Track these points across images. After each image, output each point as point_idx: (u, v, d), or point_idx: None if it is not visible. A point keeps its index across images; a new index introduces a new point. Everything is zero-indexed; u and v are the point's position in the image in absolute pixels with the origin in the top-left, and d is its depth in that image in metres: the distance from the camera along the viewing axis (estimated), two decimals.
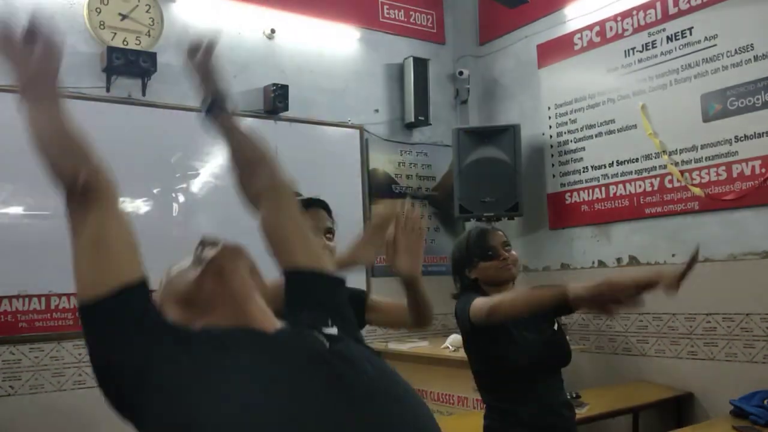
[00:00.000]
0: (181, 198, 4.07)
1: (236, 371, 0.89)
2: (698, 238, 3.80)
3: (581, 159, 4.51)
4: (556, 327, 2.20)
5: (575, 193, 4.54)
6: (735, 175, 3.66)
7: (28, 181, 3.63)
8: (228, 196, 4.53)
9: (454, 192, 4.56)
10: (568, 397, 2.86)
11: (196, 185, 4.11)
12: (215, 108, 1.23)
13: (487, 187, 4.43)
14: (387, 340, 4.56)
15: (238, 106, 4.06)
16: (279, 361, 0.93)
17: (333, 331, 1.04)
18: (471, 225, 4.92)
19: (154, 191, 3.99)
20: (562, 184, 4.63)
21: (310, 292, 1.11)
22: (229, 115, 1.24)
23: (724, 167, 3.71)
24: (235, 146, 1.21)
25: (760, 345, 3.51)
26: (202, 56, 1.22)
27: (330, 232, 1.82)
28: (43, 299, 3.59)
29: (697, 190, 3.81)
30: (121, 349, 0.90)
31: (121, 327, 0.91)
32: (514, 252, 2.17)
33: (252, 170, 1.17)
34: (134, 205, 3.92)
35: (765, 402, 3.08)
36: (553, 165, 4.71)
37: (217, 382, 0.87)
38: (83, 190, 0.98)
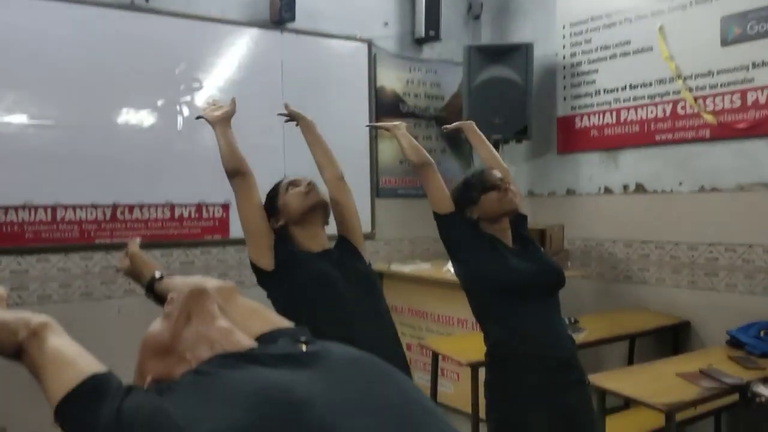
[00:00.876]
0: (186, 111, 4.01)
1: (220, 389, 0.93)
2: (707, 167, 3.77)
3: (594, 81, 4.41)
4: (542, 250, 2.25)
5: (585, 117, 4.46)
6: (749, 103, 3.58)
7: (31, 88, 3.59)
8: None
9: (462, 113, 4.49)
10: (567, 322, 2.92)
11: (200, 98, 4.05)
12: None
13: (497, 108, 4.35)
14: (390, 262, 4.60)
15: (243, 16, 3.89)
16: (257, 366, 0.97)
17: (309, 339, 1.10)
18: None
19: (158, 103, 3.93)
20: (573, 108, 4.55)
21: (275, 335, 1.19)
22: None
23: (738, 94, 3.62)
24: None
25: (761, 276, 3.53)
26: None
27: (306, 181, 2.06)
28: (49, 210, 3.60)
29: (709, 118, 3.74)
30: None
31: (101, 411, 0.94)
32: (513, 186, 2.19)
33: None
34: (137, 117, 3.87)
35: (761, 333, 3.12)
36: (564, 87, 4.61)
37: (206, 404, 0.91)
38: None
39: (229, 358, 1.00)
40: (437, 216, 2.20)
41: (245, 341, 1.09)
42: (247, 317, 1.25)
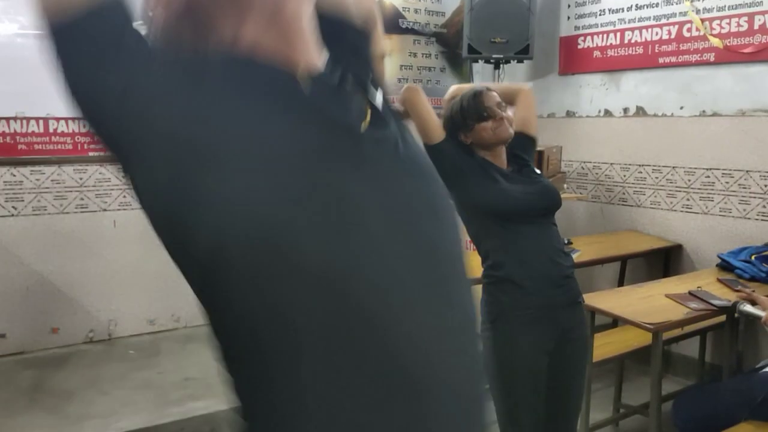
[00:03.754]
0: None
1: (249, 114, 0.72)
2: (710, 92, 3.72)
3: (599, 1, 4.30)
4: (538, 171, 2.20)
5: (589, 38, 4.37)
6: (756, 26, 3.50)
7: None
8: None
9: (463, 30, 4.39)
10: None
11: None
12: None
13: (499, 26, 4.25)
14: None
15: None
16: (304, 126, 0.74)
17: (378, 99, 0.84)
18: (479, 66, 4.79)
19: (151, 14, 3.82)
20: (577, 27, 4.45)
21: (344, 36, 0.88)
22: None
23: (746, 18, 3.54)
24: None
25: (756, 202, 3.54)
26: None
27: None
28: (41, 122, 3.56)
29: (715, 41, 3.66)
30: (99, 72, 0.72)
31: (98, 47, 0.72)
32: (509, 112, 2.12)
33: None
34: None
35: (752, 257, 3.16)
36: (569, 6, 4.49)
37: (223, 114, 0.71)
38: None
39: (285, 80, 0.75)
40: (428, 147, 2.08)
41: (312, 59, 0.79)
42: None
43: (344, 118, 0.76)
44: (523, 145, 2.21)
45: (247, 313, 0.71)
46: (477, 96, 2.09)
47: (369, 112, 0.80)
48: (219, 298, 0.73)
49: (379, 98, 0.84)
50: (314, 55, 0.80)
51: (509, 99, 2.27)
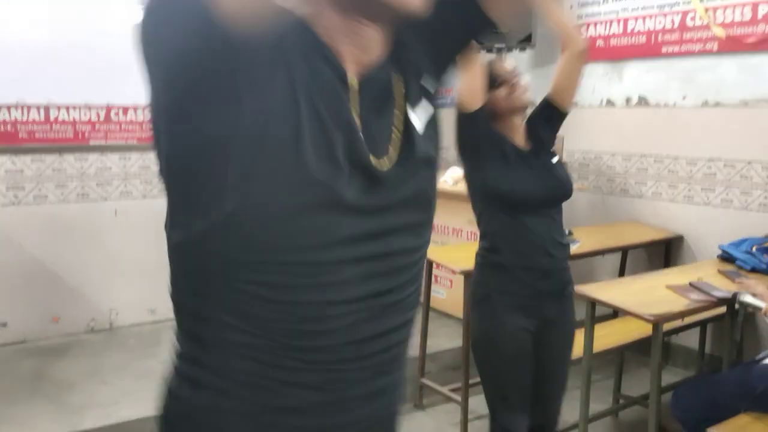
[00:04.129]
0: None
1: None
2: (712, 82, 3.70)
3: None
4: (556, 159, 2.16)
5: (591, 27, 4.34)
6: (760, 16, 3.48)
7: None
8: None
9: None
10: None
11: None
12: None
13: None
14: None
15: None
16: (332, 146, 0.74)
17: (426, 113, 0.84)
18: (481, 55, 4.77)
19: None
20: (579, 16, 4.42)
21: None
22: None
23: (750, 7, 3.51)
24: None
25: (758, 193, 3.53)
26: None
27: None
28: (42, 110, 3.55)
29: (719, 30, 3.64)
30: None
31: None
32: (522, 80, 2.08)
33: None
34: (131, 15, 3.74)
35: (753, 249, 3.15)
36: None
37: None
38: None
39: (339, 75, 0.75)
40: (462, 114, 1.99)
41: (379, 46, 0.79)
42: None
43: (367, 158, 0.76)
44: (547, 117, 2.13)
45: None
46: (488, 65, 2.07)
47: (400, 138, 0.81)
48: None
49: (423, 113, 0.84)
50: (369, 56, 0.78)
51: (561, 44, 2.13)
